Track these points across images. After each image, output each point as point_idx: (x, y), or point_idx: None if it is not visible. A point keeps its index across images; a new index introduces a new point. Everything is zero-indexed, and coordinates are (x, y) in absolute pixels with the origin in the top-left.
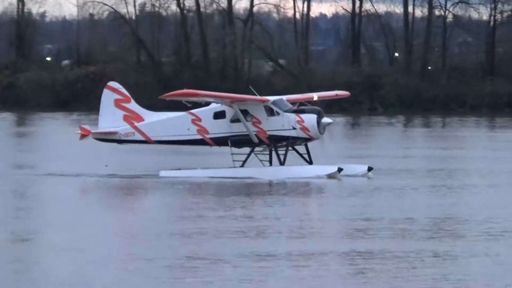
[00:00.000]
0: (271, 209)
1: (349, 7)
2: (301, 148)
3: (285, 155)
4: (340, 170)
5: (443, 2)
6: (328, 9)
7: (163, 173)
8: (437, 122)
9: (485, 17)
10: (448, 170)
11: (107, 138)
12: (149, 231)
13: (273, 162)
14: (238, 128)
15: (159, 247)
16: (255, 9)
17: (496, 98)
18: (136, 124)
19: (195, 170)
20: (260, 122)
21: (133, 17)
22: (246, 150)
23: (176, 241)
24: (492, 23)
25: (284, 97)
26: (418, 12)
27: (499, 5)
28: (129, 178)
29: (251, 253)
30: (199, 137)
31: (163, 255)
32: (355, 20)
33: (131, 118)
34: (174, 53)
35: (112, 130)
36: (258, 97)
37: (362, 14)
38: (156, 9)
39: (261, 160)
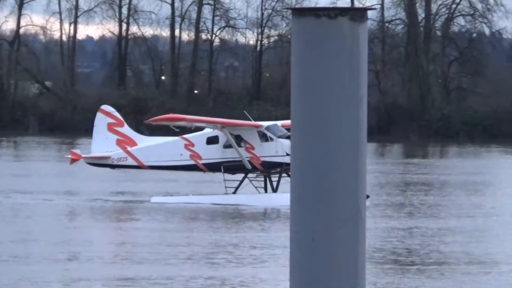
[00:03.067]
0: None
1: (116, 29)
2: None
3: (278, 181)
4: None
5: (210, 26)
6: (95, 32)
7: (154, 199)
8: None
9: (252, 42)
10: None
11: (99, 162)
12: None
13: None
14: (232, 154)
15: None
16: (21, 30)
17: None
18: (129, 148)
19: (187, 197)
20: (253, 148)
21: None
22: (240, 176)
23: None
24: (259, 47)
25: (279, 123)
26: (185, 36)
27: (266, 30)
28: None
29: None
30: (192, 162)
31: None
32: (122, 43)
33: (124, 142)
34: None
35: (104, 154)
36: (252, 122)
37: (129, 37)
38: None
39: (256, 187)
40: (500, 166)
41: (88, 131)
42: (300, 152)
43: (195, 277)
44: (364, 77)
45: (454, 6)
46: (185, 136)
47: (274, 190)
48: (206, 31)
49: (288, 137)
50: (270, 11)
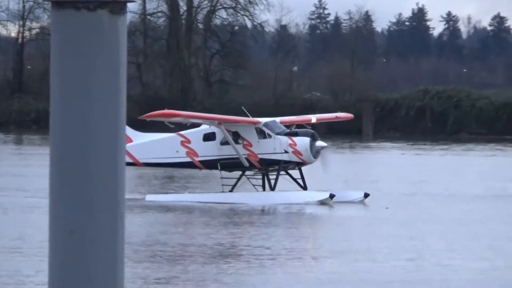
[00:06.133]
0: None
1: None
2: (295, 173)
3: (276, 179)
4: (332, 196)
5: None
6: None
7: (149, 197)
8: None
9: (13, 34)
10: None
11: None
12: None
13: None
14: (229, 151)
15: None
16: None
17: (23, 116)
18: None
19: (182, 195)
20: (251, 145)
21: None
22: (237, 174)
23: None
24: (20, 40)
25: (278, 119)
26: None
27: (28, 22)
28: None
29: None
30: (188, 159)
31: None
32: None
33: None
34: None
35: None
36: (250, 118)
37: None
38: None
39: (253, 185)
40: None
41: None
42: (59, 144)
43: None
44: (124, 69)
45: None
46: (181, 132)
47: (272, 188)
48: None
49: (286, 134)
50: (31, 3)
